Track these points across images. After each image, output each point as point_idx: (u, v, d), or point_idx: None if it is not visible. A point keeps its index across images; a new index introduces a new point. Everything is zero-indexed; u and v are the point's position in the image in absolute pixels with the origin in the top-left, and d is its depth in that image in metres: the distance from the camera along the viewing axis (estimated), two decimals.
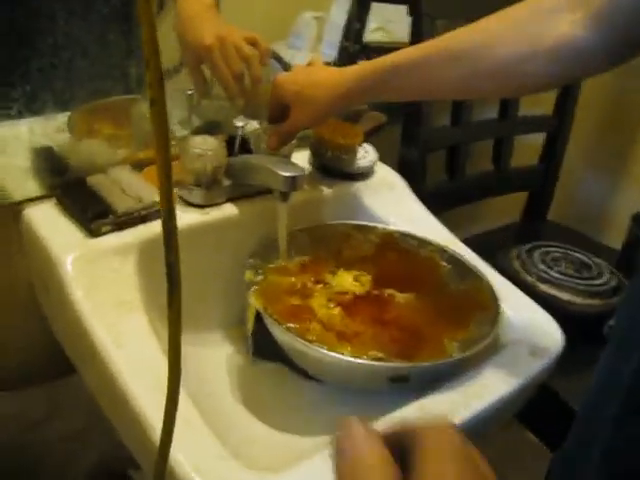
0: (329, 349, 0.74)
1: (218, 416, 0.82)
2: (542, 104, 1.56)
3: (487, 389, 0.77)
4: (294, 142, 0.96)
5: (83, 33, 0.78)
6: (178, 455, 0.63)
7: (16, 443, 1.00)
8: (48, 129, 0.84)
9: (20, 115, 0.79)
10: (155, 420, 0.66)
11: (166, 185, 0.44)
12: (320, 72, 0.88)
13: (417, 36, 1.23)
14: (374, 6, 1.30)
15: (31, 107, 0.79)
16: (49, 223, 0.82)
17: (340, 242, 0.95)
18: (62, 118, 0.85)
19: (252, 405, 0.86)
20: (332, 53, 1.27)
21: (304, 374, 0.86)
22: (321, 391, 0.86)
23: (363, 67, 0.84)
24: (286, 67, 1.25)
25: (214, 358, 0.93)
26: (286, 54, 1.31)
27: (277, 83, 0.90)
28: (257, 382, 0.90)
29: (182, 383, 0.73)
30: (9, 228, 0.85)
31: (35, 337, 0.95)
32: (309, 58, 0.99)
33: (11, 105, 0.77)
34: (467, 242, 1.01)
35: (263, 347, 0.89)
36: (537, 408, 0.92)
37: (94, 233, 0.81)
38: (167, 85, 0.99)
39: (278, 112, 0.91)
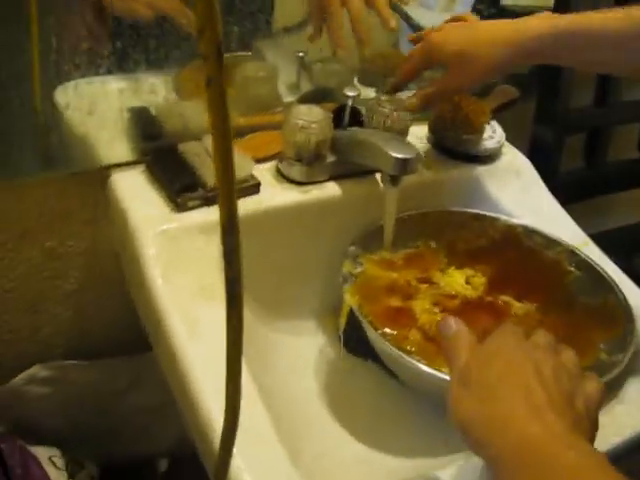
0: (427, 364, 0.65)
1: (297, 417, 0.75)
2: None
3: (611, 428, 0.65)
4: (411, 118, 0.85)
5: None
6: (242, 474, 0.56)
7: (94, 410, 0.97)
8: (140, 90, 0.77)
9: (110, 73, 0.72)
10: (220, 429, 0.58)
11: (227, 188, 0.35)
12: (486, 27, 0.77)
13: None
14: None
15: (122, 66, 0.72)
16: (134, 193, 0.76)
17: (454, 234, 0.84)
18: (154, 79, 0.77)
19: (338, 409, 0.77)
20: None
21: None
22: (420, 400, 0.77)
23: (548, 22, 0.72)
24: (416, 29, 1.13)
25: (304, 349, 0.85)
26: (415, 14, 1.19)
27: (433, 42, 0.79)
28: (347, 381, 0.82)
29: (262, 378, 0.67)
30: (96, 193, 0.80)
31: (120, 308, 0.90)
32: (446, 17, 0.88)
33: (100, 63, 0.71)
34: (598, 238, 0.89)
35: (356, 345, 0.81)
36: None
37: (180, 207, 0.74)
38: (277, 44, 0.88)
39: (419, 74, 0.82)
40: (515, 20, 0.75)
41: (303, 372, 0.82)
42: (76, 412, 0.95)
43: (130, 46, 0.71)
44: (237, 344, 0.40)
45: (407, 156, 0.74)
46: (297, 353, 0.84)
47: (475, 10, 1.04)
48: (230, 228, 0.36)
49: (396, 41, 1.14)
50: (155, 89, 0.77)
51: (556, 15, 0.73)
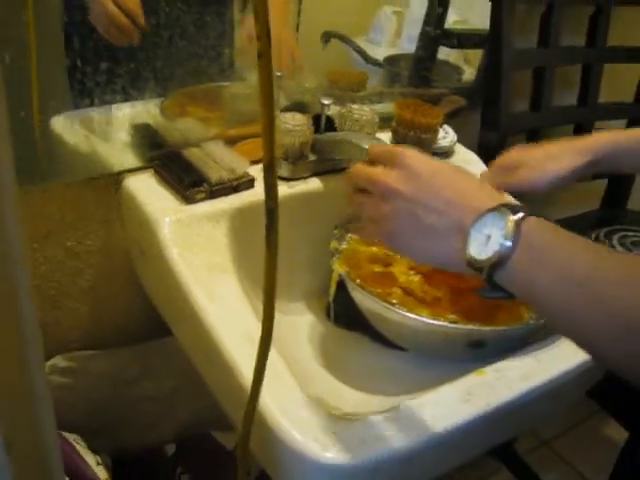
0: (409, 311, 0.78)
1: (298, 374, 0.86)
2: (623, 91, 1.55)
3: (562, 356, 0.79)
4: (376, 121, 1.00)
5: (182, 13, 0.84)
6: (266, 399, 0.67)
7: (107, 400, 1.06)
8: (149, 106, 0.90)
9: (124, 91, 0.85)
10: (246, 368, 0.70)
11: (269, 138, 0.48)
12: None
13: (497, 21, 1.24)
14: None
15: (135, 84, 0.85)
16: (147, 191, 0.88)
17: None
18: (147, 105, 0.91)
19: (331, 368, 0.90)
20: (411, 47, 1.29)
21: (384, 343, 0.90)
22: (401, 359, 0.90)
23: (607, 138, 0.89)
24: (366, 58, 1.29)
25: (297, 325, 0.98)
26: (366, 48, 1.35)
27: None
28: (338, 349, 0.95)
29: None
30: (110, 196, 0.92)
31: (131, 301, 1.01)
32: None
33: (116, 81, 0.83)
34: None
35: (344, 314, 0.93)
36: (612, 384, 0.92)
37: (189, 200, 0.86)
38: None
39: None
40: (582, 137, 0.91)
41: (297, 342, 0.94)
42: (91, 403, 1.04)
43: (141, 66, 0.84)
44: (272, 271, 0.53)
45: None
46: (290, 328, 0.96)
47: (423, 32, 1.20)
48: (269, 167, 0.48)
49: (349, 62, 1.30)
50: (150, 112, 0.90)
51: (615, 132, 0.89)
